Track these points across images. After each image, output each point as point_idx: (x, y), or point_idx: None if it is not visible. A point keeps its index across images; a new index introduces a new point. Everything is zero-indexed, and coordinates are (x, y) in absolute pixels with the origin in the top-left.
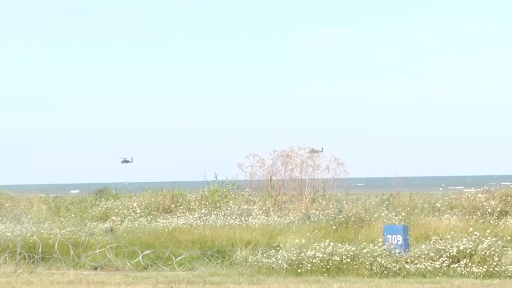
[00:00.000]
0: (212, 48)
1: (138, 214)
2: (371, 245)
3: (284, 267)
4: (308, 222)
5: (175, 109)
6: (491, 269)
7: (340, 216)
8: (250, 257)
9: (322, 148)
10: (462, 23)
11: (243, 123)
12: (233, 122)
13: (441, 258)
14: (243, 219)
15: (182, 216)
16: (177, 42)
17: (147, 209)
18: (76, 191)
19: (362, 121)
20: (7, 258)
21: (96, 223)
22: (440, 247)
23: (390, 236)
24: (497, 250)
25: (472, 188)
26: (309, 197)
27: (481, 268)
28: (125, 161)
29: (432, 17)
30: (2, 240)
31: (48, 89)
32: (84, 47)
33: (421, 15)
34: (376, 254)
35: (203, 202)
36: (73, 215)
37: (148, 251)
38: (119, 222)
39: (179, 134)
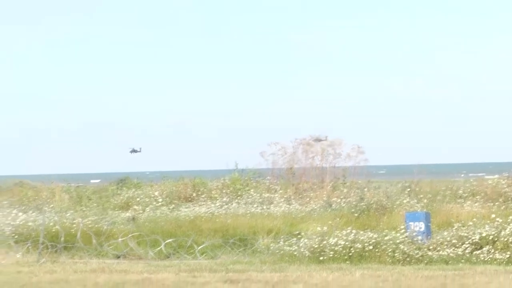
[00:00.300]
0: (212, 48)
1: (159, 203)
2: (393, 232)
3: (306, 255)
4: (329, 210)
5: (175, 109)
6: None
7: (362, 203)
8: (272, 245)
9: (326, 137)
10: (462, 23)
11: (243, 123)
12: (233, 122)
13: (464, 245)
14: (264, 207)
15: (203, 204)
16: (177, 42)
17: (169, 198)
18: (97, 181)
19: (362, 121)
20: (29, 247)
21: (118, 212)
22: (462, 234)
23: (412, 223)
24: None
25: (496, 175)
26: (330, 185)
27: (504, 254)
28: (134, 150)
29: (432, 17)
30: (25, 229)
31: (48, 89)
32: (84, 47)
33: (421, 15)
34: (398, 241)
35: (224, 191)
36: (95, 205)
37: (170, 240)
38: (141, 211)
39: (179, 134)
